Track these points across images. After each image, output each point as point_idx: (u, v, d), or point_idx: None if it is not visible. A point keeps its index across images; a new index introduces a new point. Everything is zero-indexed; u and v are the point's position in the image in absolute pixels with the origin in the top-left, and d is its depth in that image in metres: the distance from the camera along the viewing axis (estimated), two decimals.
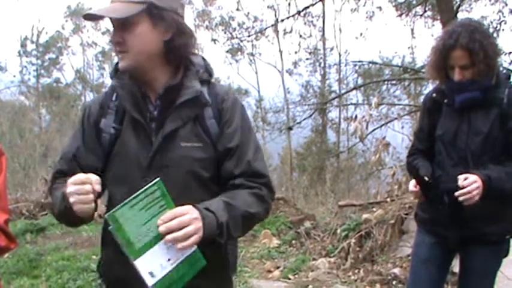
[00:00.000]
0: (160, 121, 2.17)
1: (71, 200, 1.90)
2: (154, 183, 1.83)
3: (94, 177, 1.93)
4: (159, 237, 1.85)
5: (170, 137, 2.14)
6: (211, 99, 2.23)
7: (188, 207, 1.91)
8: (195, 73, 2.23)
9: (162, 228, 1.84)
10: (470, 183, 2.86)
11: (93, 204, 1.94)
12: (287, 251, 7.79)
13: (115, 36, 2.12)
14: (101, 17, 2.10)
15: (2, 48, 58.02)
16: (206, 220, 1.92)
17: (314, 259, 7.20)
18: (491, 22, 12.70)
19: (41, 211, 11.94)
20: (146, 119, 2.17)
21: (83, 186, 1.90)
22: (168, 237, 1.83)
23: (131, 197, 1.79)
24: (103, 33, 37.26)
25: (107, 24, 38.51)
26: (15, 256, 8.08)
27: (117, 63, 2.20)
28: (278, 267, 7.02)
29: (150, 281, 1.82)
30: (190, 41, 2.22)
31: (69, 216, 2.02)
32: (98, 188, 1.92)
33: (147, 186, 1.82)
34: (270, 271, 6.86)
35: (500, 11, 13.07)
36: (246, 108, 2.39)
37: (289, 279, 6.53)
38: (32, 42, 33.66)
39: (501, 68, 3.23)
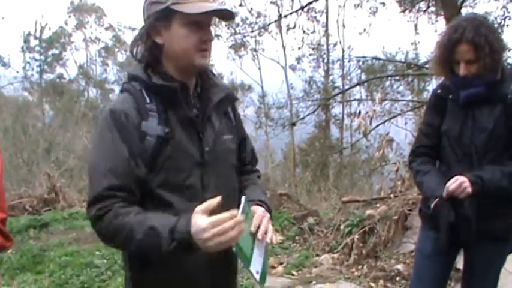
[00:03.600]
0: (205, 118, 2.25)
1: (210, 244, 1.84)
2: (245, 200, 2.09)
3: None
4: (253, 239, 2.12)
5: (218, 131, 2.29)
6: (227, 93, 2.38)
7: (260, 209, 2.24)
8: (211, 71, 2.36)
9: (259, 234, 2.13)
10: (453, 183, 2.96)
11: None
12: (290, 247, 7.77)
13: (210, 35, 2.18)
14: (228, 15, 2.18)
15: (5, 44, 58.08)
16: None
17: (317, 255, 7.19)
18: (496, 18, 12.64)
19: (44, 207, 11.97)
20: (196, 117, 2.24)
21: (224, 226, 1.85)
22: (259, 235, 2.13)
23: (245, 212, 2.07)
24: (106, 29, 37.32)
25: (110, 20, 38.43)
26: (18, 252, 8.10)
27: (146, 65, 2.19)
28: (281, 263, 7.00)
29: (257, 277, 2.11)
30: None
31: (164, 253, 1.93)
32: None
33: (244, 206, 2.05)
34: (273, 267, 6.84)
35: (504, 6, 13.00)
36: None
37: (293, 275, 6.52)
38: (35, 38, 33.64)
39: (506, 64, 3.21)
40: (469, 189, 2.94)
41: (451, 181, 2.97)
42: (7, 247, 2.16)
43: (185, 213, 1.92)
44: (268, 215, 2.24)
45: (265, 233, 2.16)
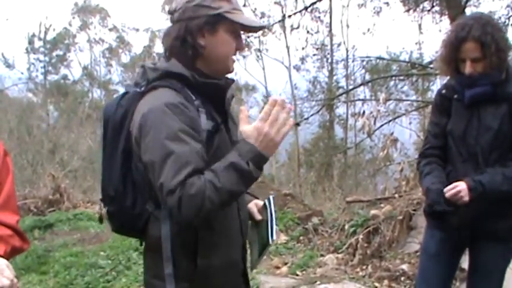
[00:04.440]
0: (226, 121, 2.36)
1: (272, 135, 2.05)
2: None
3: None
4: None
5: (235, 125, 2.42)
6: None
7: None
8: None
9: None
10: (452, 188, 2.99)
11: None
12: (295, 247, 7.77)
13: (243, 44, 2.37)
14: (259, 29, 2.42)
15: (10, 45, 58.18)
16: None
17: (322, 255, 7.18)
18: (500, 17, 12.62)
19: (49, 207, 11.99)
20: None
21: None
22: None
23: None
24: (110, 30, 37.35)
25: (114, 21, 38.49)
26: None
27: (188, 63, 2.24)
28: (286, 263, 7.00)
29: (270, 240, 2.31)
30: None
31: None
32: None
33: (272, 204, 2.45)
34: (277, 267, 6.84)
35: (508, 5, 12.98)
36: None
37: (297, 275, 6.52)
38: (40, 39, 33.66)
39: (511, 63, 3.20)
40: (466, 198, 2.96)
41: (448, 187, 2.99)
42: (25, 249, 2.22)
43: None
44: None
45: None
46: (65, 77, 35.48)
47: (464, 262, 3.61)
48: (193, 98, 2.20)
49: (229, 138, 2.32)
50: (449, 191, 2.97)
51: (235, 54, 2.31)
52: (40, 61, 33.88)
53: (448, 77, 3.33)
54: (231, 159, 2.03)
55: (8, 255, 2.02)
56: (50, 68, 34.52)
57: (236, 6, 2.25)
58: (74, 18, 36.70)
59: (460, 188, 2.96)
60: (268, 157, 2.08)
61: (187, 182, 1.98)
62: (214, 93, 2.27)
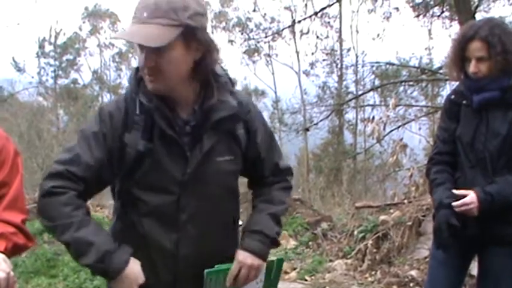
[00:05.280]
0: (196, 137, 2.16)
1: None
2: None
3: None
4: None
5: (208, 153, 2.17)
6: (239, 109, 2.25)
7: (240, 256, 2.25)
8: (224, 85, 2.22)
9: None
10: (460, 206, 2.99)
11: None
12: (304, 252, 7.78)
13: (148, 61, 2.03)
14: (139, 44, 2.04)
15: (21, 50, 58.47)
16: (262, 253, 2.28)
17: (331, 260, 7.19)
18: (510, 23, 12.59)
19: None
20: (180, 135, 2.14)
21: None
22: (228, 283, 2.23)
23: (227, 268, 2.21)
24: None
25: (124, 25, 38.62)
26: (33, 256, 8.14)
27: (140, 79, 2.13)
28: (295, 269, 7.01)
29: None
30: (218, 55, 2.18)
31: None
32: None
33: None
34: (286, 272, 6.85)
35: None
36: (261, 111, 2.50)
37: (306, 280, 6.53)
38: (50, 43, 33.73)
39: None
40: (475, 212, 2.98)
41: (459, 203, 2.99)
42: (29, 247, 2.25)
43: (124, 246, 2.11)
44: (248, 263, 2.24)
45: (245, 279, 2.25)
46: (75, 81, 35.55)
47: (474, 268, 3.60)
48: (138, 113, 2.12)
49: (182, 164, 2.15)
50: (460, 207, 2.99)
51: (145, 71, 2.08)
52: (50, 65, 33.97)
53: (458, 83, 3.33)
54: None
55: (9, 252, 2.05)
56: (60, 72, 34.59)
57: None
58: (84, 22, 36.77)
59: (472, 205, 2.97)
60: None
61: (62, 178, 2.08)
62: (155, 110, 2.12)
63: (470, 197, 2.98)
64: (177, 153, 2.14)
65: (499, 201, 2.97)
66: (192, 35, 2.03)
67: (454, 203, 3.00)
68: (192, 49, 2.06)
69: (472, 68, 3.02)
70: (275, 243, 2.34)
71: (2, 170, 2.15)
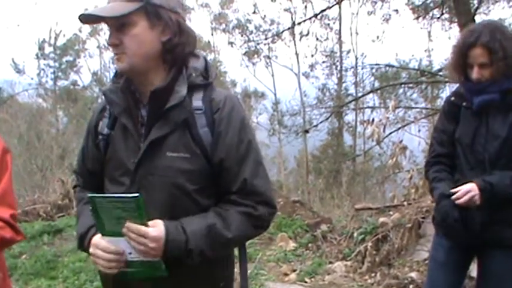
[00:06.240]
0: (148, 127, 2.09)
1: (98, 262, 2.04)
2: (132, 197, 1.86)
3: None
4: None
5: (156, 144, 2.07)
6: (204, 105, 2.11)
7: (157, 228, 1.94)
8: (187, 76, 2.11)
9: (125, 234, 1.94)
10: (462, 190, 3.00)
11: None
12: (303, 254, 7.76)
13: (111, 38, 2.06)
14: (98, 19, 2.05)
15: (20, 51, 58.47)
16: (171, 244, 1.95)
17: (330, 262, 7.18)
18: (509, 25, 12.60)
19: (58, 212, 12.00)
20: (136, 124, 2.12)
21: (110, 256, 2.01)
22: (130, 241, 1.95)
23: (112, 195, 1.96)
24: None
25: None
26: (32, 257, 8.14)
27: None
28: (294, 270, 7.00)
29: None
30: (189, 40, 2.12)
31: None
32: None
33: (124, 196, 1.89)
34: (286, 274, 6.84)
35: None
36: (247, 118, 2.29)
37: (306, 282, 6.52)
38: (50, 45, 33.73)
39: None
40: (477, 201, 2.99)
41: (460, 193, 3.00)
42: (18, 241, 2.37)
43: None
44: (156, 237, 1.91)
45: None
46: (74, 83, 35.54)
47: (473, 270, 3.61)
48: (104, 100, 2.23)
49: (134, 155, 2.10)
50: (463, 196, 2.98)
51: (112, 50, 2.11)
52: (50, 67, 33.98)
53: (458, 85, 3.33)
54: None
55: None
56: (59, 73, 34.59)
57: None
58: (83, 24, 36.79)
59: (473, 192, 2.98)
60: None
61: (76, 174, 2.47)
62: (115, 97, 2.16)
63: (470, 185, 3.01)
64: (132, 144, 2.12)
65: (498, 190, 2.98)
66: (156, 13, 2.03)
67: (455, 195, 3.00)
68: (158, 28, 2.05)
69: (474, 74, 3.03)
70: (188, 256, 2.01)
71: None
